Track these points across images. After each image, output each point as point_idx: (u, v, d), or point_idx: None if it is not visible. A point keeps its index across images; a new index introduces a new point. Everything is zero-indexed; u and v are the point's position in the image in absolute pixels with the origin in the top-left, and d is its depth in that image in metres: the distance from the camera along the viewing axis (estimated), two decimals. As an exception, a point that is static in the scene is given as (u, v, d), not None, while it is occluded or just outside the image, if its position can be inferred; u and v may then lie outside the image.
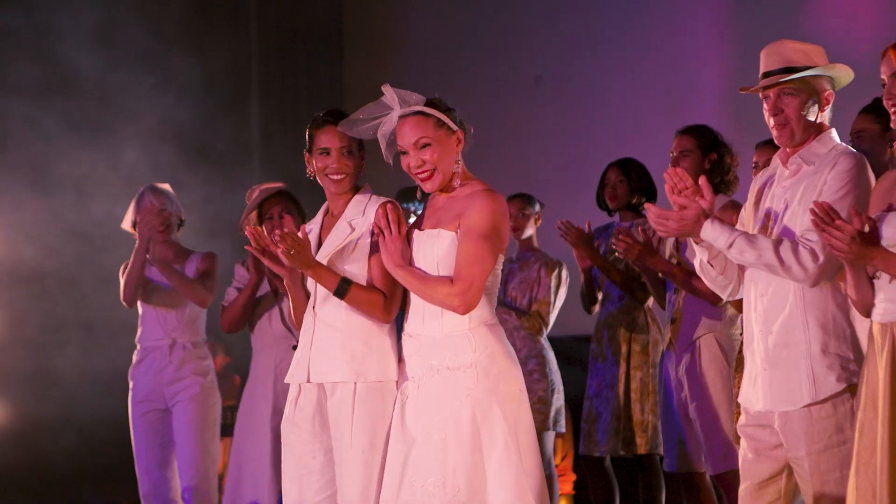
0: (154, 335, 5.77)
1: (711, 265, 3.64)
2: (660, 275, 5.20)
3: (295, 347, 5.33)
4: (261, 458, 5.39)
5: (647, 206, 3.53)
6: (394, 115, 3.78)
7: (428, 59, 8.87)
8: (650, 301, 5.58)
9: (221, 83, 8.63)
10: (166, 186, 5.84)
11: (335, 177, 3.96)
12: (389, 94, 3.77)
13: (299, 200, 5.49)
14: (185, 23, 8.41)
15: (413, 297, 3.77)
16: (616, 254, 5.23)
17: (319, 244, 3.96)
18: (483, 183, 3.80)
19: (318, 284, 3.88)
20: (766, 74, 3.57)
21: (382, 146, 3.80)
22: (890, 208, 3.25)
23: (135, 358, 5.83)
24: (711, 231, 3.45)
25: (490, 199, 3.71)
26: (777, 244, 3.40)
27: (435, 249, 3.72)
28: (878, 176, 3.49)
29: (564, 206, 5.33)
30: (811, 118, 3.54)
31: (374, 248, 3.86)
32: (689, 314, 5.12)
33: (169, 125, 8.08)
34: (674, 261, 5.14)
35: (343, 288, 3.82)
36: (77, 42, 7.61)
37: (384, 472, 3.76)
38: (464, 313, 3.66)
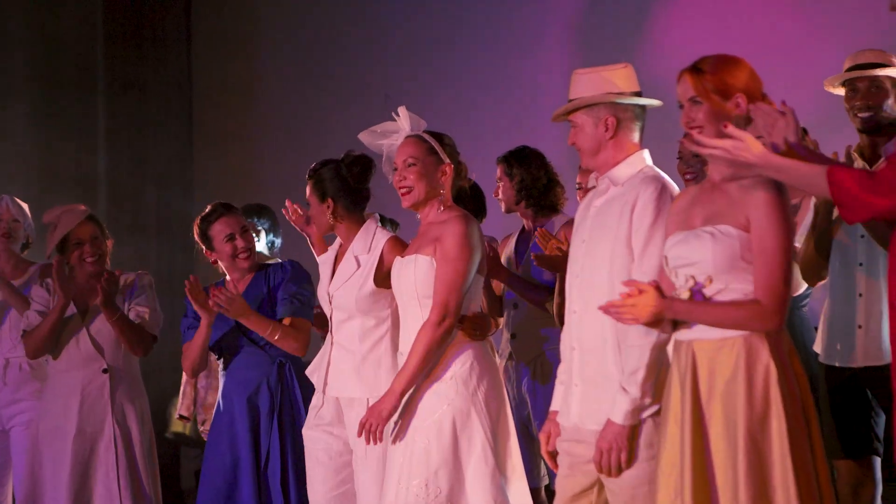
0: None
1: None
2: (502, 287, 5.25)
3: (105, 371, 5.28)
4: (59, 479, 5.26)
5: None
6: (402, 134, 4.17)
7: (278, 76, 8.85)
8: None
9: (65, 82, 8.46)
10: (24, 205, 5.73)
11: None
12: (403, 115, 4.18)
13: (101, 221, 5.43)
14: (27, 20, 8.22)
15: (401, 317, 4.17)
16: None
17: (333, 274, 4.51)
18: (459, 210, 4.18)
19: (333, 311, 4.46)
20: None
21: (384, 160, 4.25)
22: (681, 228, 3.34)
23: None
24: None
25: (461, 223, 4.08)
26: None
27: (412, 274, 4.08)
28: None
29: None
30: (597, 144, 3.63)
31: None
32: (529, 329, 5.18)
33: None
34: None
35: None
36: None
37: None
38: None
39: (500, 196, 5.28)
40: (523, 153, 5.26)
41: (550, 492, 5.18)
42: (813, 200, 4.28)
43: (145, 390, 5.49)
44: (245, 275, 4.97)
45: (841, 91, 4.42)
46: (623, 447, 3.41)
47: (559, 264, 4.57)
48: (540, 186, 5.19)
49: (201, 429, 5.93)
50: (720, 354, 3.19)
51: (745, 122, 3.22)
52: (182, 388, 5.95)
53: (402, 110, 4.21)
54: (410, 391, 4.06)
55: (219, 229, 4.92)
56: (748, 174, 3.16)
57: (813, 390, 4.20)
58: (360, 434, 4.06)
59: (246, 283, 4.97)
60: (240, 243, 4.91)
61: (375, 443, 4.05)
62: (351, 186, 4.53)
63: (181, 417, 6.00)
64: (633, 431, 3.41)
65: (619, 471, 3.43)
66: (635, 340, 3.40)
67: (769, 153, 3.04)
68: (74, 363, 5.33)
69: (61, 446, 5.28)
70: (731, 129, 3.08)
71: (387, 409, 4.03)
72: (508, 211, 5.30)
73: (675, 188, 3.58)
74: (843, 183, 2.97)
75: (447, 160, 4.17)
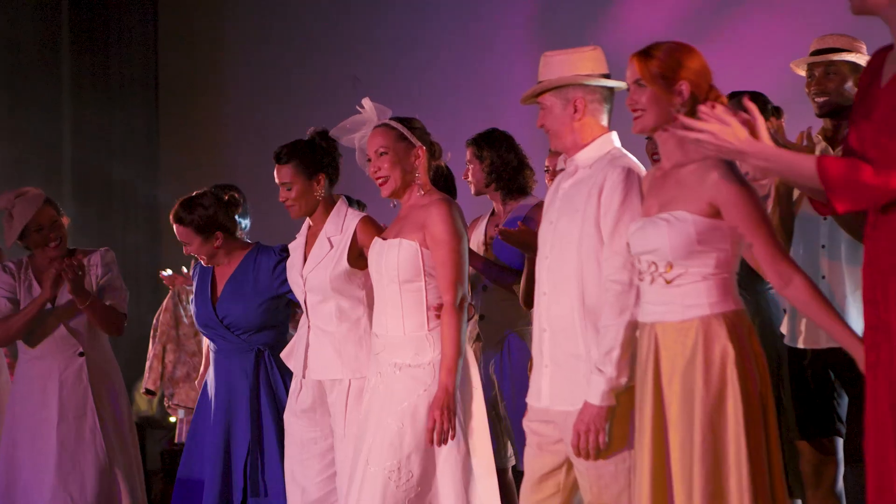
0: None
1: None
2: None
3: (81, 354, 5.25)
4: (42, 466, 5.20)
5: None
6: (370, 125, 4.19)
7: (245, 59, 8.82)
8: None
9: (28, 59, 8.39)
10: None
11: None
12: (368, 106, 4.20)
13: (55, 201, 5.40)
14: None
15: (377, 300, 4.15)
16: None
17: (305, 258, 4.51)
18: (440, 193, 4.17)
19: (307, 295, 4.46)
20: None
21: (358, 153, 4.24)
22: (646, 213, 3.38)
23: None
24: None
25: (445, 206, 4.07)
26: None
27: (395, 257, 4.04)
28: None
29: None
30: (566, 126, 3.65)
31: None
32: (497, 311, 5.20)
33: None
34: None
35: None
36: None
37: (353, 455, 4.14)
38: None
39: (470, 179, 5.29)
40: (493, 135, 5.26)
41: (518, 472, 5.22)
42: (775, 184, 4.31)
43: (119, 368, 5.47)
44: (223, 261, 4.99)
45: (805, 73, 4.46)
46: (601, 429, 3.41)
47: (525, 240, 4.59)
48: (510, 169, 5.20)
49: (168, 403, 5.91)
50: (681, 336, 3.22)
51: (688, 110, 3.22)
52: (149, 363, 5.92)
53: (366, 101, 4.22)
54: (405, 376, 4.05)
55: (180, 237, 4.98)
56: (706, 159, 3.18)
57: (780, 371, 4.29)
58: (430, 440, 3.95)
59: (233, 266, 4.98)
60: (200, 255, 4.96)
61: (445, 442, 3.95)
62: (334, 158, 4.57)
63: (147, 392, 5.97)
64: (611, 412, 3.42)
65: (598, 453, 3.42)
66: (609, 320, 3.43)
67: (755, 140, 2.99)
68: (49, 349, 5.27)
69: (43, 435, 5.22)
70: (718, 110, 3.02)
71: (449, 403, 3.93)
72: (478, 193, 5.30)
73: (642, 170, 3.60)
74: (836, 169, 2.88)
75: (418, 143, 4.17)
